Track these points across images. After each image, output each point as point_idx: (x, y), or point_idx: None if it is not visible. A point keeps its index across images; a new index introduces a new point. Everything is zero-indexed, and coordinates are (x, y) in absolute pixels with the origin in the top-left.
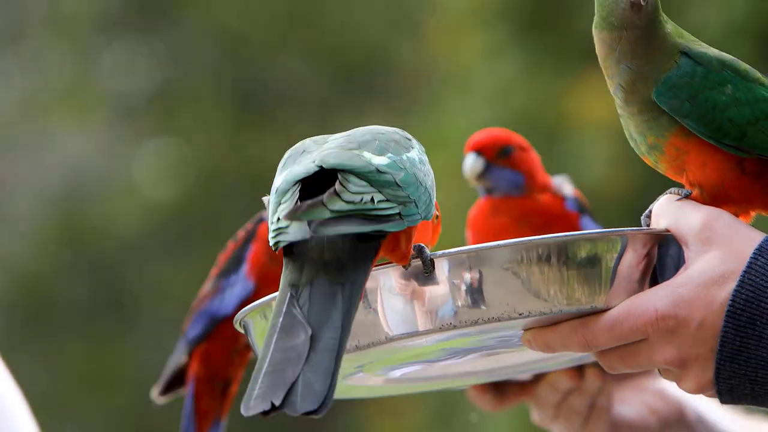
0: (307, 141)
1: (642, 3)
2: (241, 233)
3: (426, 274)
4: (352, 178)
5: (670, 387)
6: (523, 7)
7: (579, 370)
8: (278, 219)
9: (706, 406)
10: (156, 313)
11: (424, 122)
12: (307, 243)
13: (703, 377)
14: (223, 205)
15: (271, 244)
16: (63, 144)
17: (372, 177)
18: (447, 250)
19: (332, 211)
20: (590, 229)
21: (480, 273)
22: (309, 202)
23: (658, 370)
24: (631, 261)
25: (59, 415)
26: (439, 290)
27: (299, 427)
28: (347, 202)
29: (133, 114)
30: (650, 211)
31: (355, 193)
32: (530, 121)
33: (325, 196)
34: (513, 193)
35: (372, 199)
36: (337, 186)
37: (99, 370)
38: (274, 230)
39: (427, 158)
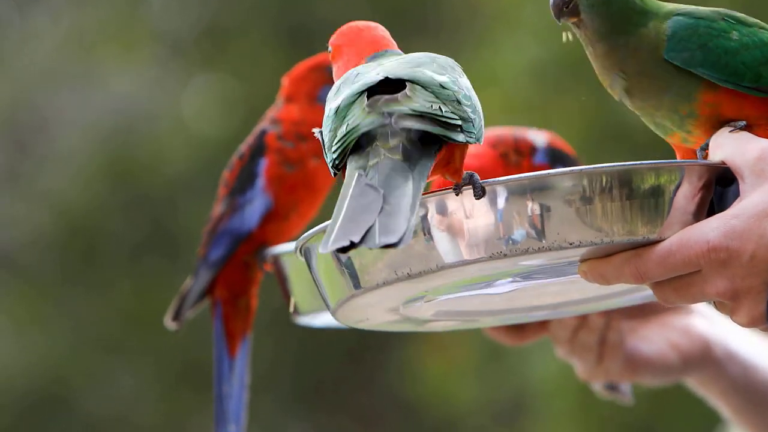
0: (359, 67)
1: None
2: (245, 148)
3: (477, 199)
4: (419, 88)
5: (697, 323)
6: None
7: None
8: (347, 127)
9: (740, 342)
10: None
11: (475, 59)
12: (374, 139)
13: (756, 310)
14: None
15: (337, 149)
16: (111, 81)
17: (436, 90)
18: (497, 178)
19: (410, 109)
20: None
21: (530, 201)
22: (387, 96)
23: (714, 302)
24: (687, 193)
25: (108, 350)
26: (488, 218)
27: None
28: (419, 104)
29: (180, 50)
30: (707, 144)
31: (425, 99)
32: (581, 57)
33: (400, 95)
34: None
35: (439, 108)
36: (408, 89)
37: (147, 305)
38: (347, 131)
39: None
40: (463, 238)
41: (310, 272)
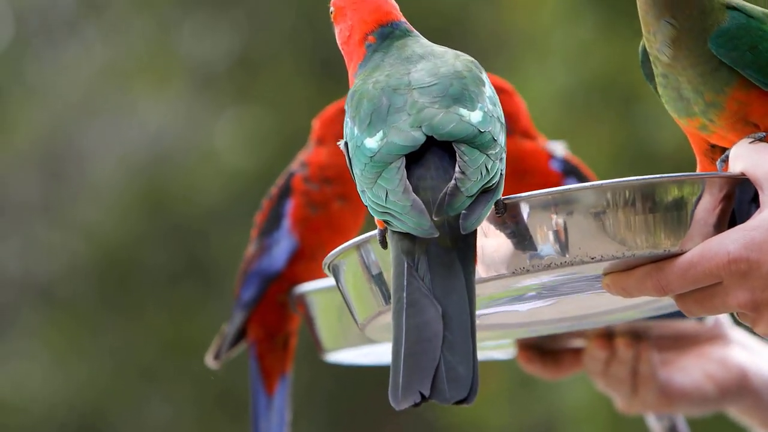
0: (383, 82)
1: None
2: (274, 190)
3: (498, 215)
4: (466, 149)
5: (734, 354)
6: None
7: (609, 339)
8: (387, 195)
9: None
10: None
11: None
12: None
13: None
14: None
15: (378, 218)
16: (144, 112)
17: (478, 141)
18: (519, 194)
19: (468, 197)
20: None
21: (552, 216)
22: (449, 191)
23: (735, 314)
24: (707, 205)
25: (145, 378)
26: (510, 233)
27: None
28: (475, 181)
29: (213, 82)
30: (726, 156)
31: (476, 168)
32: (608, 83)
33: (457, 179)
34: None
35: (487, 168)
36: (461, 163)
37: (182, 336)
38: (384, 209)
39: (489, 81)
40: (485, 255)
41: (339, 288)
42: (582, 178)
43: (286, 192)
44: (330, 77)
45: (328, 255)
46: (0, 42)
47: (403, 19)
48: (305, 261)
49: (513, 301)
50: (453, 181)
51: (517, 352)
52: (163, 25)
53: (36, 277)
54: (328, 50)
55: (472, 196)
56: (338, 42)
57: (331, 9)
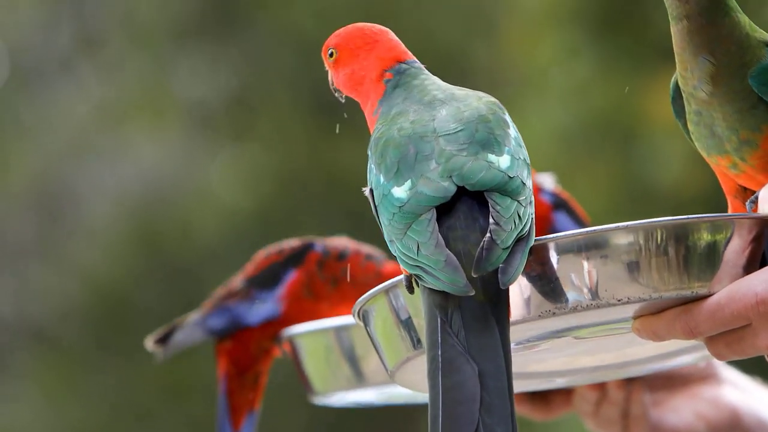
0: (408, 129)
1: None
2: (287, 248)
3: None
4: (497, 197)
5: (726, 393)
6: (598, 6)
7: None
8: (418, 249)
9: None
10: None
11: None
12: None
13: None
14: (300, 211)
15: (409, 271)
16: (140, 152)
17: (508, 188)
18: (545, 237)
19: (504, 249)
20: (565, 226)
21: (579, 258)
22: (485, 245)
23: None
24: (736, 246)
25: (140, 419)
26: (536, 276)
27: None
28: (509, 231)
29: (209, 121)
30: (756, 197)
31: (509, 217)
32: (606, 122)
33: (492, 231)
34: None
35: (519, 216)
36: (494, 213)
37: (177, 377)
38: (416, 263)
39: (512, 120)
40: (511, 299)
41: (368, 334)
42: (571, 211)
43: (297, 260)
44: (326, 117)
45: (358, 301)
46: None
47: (415, 59)
48: (278, 327)
49: (544, 345)
50: (488, 234)
51: None
52: (159, 63)
53: (30, 318)
54: (325, 89)
55: (508, 247)
56: (345, 84)
57: (333, 52)
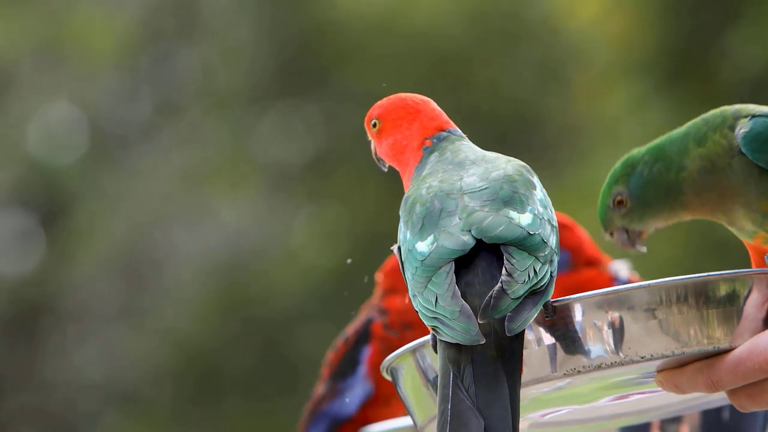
0: (436, 188)
1: (620, 201)
2: (351, 333)
3: (548, 319)
4: (514, 251)
5: None
6: (667, 57)
7: None
8: (436, 300)
9: None
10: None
11: (576, 176)
12: None
13: None
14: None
15: (427, 324)
16: (221, 215)
17: (527, 243)
18: (568, 296)
19: (514, 300)
20: None
21: (602, 317)
22: (495, 294)
23: None
24: (756, 301)
25: None
26: (560, 335)
27: None
28: (522, 283)
29: (288, 181)
30: None
31: (523, 270)
32: None
33: (503, 282)
34: (560, 270)
35: (535, 270)
36: (508, 266)
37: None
38: (434, 315)
39: (541, 184)
40: (534, 357)
41: (397, 390)
42: None
43: (364, 337)
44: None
45: (386, 359)
46: (77, 150)
47: (456, 128)
48: (379, 407)
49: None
50: (499, 284)
51: None
52: (236, 127)
53: (119, 382)
54: None
55: (518, 298)
56: (387, 153)
57: (376, 122)
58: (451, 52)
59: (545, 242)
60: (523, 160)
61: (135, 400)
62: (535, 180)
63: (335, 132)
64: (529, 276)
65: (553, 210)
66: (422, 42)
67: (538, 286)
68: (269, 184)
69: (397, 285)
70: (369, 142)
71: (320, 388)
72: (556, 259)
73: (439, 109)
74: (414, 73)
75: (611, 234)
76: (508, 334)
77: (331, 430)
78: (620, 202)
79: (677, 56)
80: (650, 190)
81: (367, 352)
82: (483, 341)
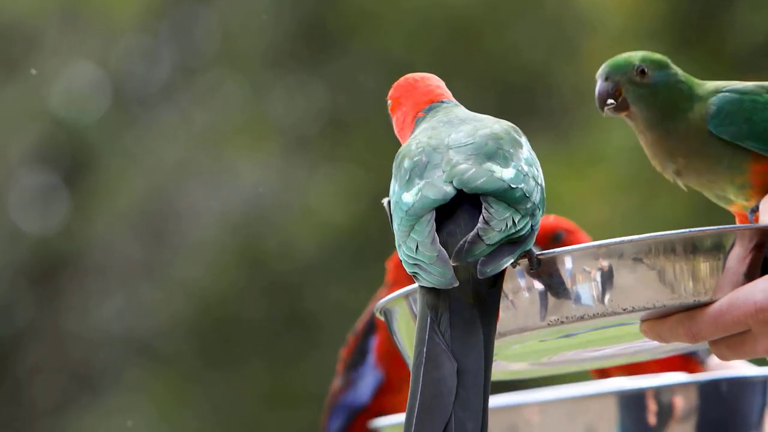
0: (424, 143)
1: (642, 71)
2: (358, 326)
3: (533, 271)
4: (493, 201)
5: None
6: (676, 23)
7: None
8: (417, 247)
9: None
10: (335, 331)
11: (584, 139)
12: None
13: None
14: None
15: (408, 271)
16: (240, 172)
17: (507, 195)
18: (553, 250)
19: (488, 245)
20: None
21: (584, 271)
22: (469, 239)
23: None
24: (738, 255)
25: (249, 430)
26: (544, 287)
27: None
28: (498, 231)
29: (305, 141)
30: (757, 206)
31: (501, 219)
32: None
33: (479, 229)
34: None
35: (513, 221)
36: (485, 214)
37: (283, 387)
38: (414, 261)
39: (530, 146)
40: (520, 308)
41: (391, 332)
42: None
43: (370, 328)
44: None
45: (380, 301)
46: (99, 109)
47: (453, 99)
48: (391, 393)
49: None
50: (475, 230)
51: None
52: (255, 88)
53: (139, 334)
54: None
55: (492, 245)
56: (395, 130)
57: (389, 102)
58: (464, 18)
59: (527, 197)
60: (532, 125)
61: (155, 352)
62: (523, 140)
63: (351, 93)
64: (507, 225)
65: (540, 170)
66: (437, 7)
67: (516, 236)
68: (287, 144)
69: (400, 278)
70: (384, 103)
71: (336, 383)
72: (539, 214)
73: (437, 83)
74: (428, 36)
75: (605, 79)
76: (479, 277)
77: (350, 420)
78: (642, 72)
79: (687, 24)
80: (664, 91)
81: (375, 342)
82: (457, 284)
